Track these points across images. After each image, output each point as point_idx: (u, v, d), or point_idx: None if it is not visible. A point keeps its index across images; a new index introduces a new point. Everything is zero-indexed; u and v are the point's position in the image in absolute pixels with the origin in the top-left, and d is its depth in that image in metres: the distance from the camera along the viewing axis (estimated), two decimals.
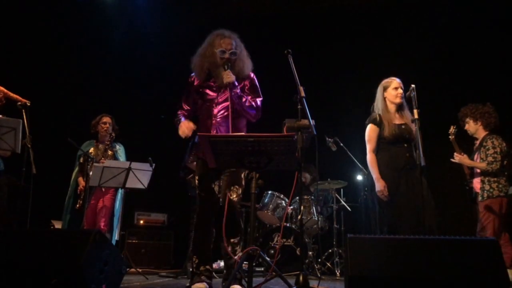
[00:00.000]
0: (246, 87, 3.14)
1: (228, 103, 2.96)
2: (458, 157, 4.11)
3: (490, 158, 3.96)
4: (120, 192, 4.73)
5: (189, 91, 3.19)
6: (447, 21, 5.99)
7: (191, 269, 2.97)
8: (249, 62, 3.15)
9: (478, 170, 4.08)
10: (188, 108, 3.20)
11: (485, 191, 3.96)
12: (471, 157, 4.19)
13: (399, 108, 3.58)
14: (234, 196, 2.94)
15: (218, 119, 3.00)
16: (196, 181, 3.01)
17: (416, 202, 3.22)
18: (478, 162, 4.06)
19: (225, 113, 2.99)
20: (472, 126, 4.21)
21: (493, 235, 3.77)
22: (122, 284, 2.62)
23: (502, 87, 5.60)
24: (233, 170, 2.98)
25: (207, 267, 2.91)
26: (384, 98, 3.59)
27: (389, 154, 3.48)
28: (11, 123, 3.54)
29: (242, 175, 3.04)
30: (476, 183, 4.11)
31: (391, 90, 3.56)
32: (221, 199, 2.99)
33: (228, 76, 2.92)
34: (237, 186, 2.98)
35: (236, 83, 3.00)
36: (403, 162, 3.39)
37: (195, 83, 3.15)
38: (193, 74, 3.18)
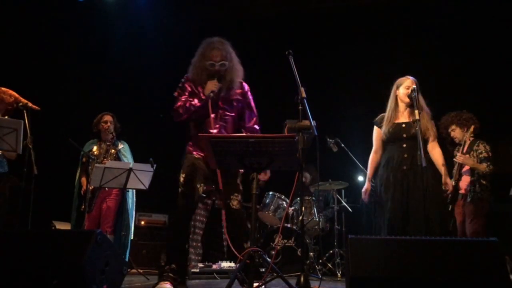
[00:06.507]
0: (237, 96, 3.12)
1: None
2: (462, 157, 4.14)
3: (485, 161, 4.09)
4: (130, 193, 4.72)
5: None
6: (448, 22, 5.99)
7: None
8: (240, 69, 3.12)
9: (468, 172, 4.18)
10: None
11: (476, 193, 4.07)
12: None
13: (411, 106, 3.42)
14: (236, 203, 3.01)
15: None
16: (182, 178, 3.00)
17: (412, 204, 3.21)
18: (478, 164, 4.12)
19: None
20: (459, 133, 4.31)
21: (485, 235, 3.82)
22: (123, 284, 2.62)
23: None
24: (230, 179, 3.02)
25: (173, 266, 2.84)
26: (396, 96, 3.53)
27: (388, 154, 3.46)
28: (12, 124, 3.54)
29: (238, 181, 3.11)
30: (464, 184, 4.20)
31: (402, 88, 3.48)
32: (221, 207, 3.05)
33: (209, 87, 2.94)
34: (236, 194, 3.04)
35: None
36: (399, 162, 3.33)
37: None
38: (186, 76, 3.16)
